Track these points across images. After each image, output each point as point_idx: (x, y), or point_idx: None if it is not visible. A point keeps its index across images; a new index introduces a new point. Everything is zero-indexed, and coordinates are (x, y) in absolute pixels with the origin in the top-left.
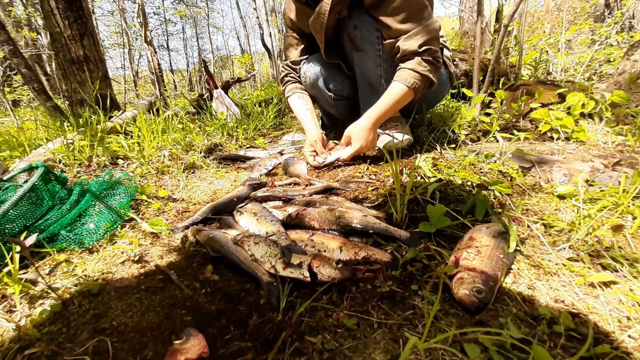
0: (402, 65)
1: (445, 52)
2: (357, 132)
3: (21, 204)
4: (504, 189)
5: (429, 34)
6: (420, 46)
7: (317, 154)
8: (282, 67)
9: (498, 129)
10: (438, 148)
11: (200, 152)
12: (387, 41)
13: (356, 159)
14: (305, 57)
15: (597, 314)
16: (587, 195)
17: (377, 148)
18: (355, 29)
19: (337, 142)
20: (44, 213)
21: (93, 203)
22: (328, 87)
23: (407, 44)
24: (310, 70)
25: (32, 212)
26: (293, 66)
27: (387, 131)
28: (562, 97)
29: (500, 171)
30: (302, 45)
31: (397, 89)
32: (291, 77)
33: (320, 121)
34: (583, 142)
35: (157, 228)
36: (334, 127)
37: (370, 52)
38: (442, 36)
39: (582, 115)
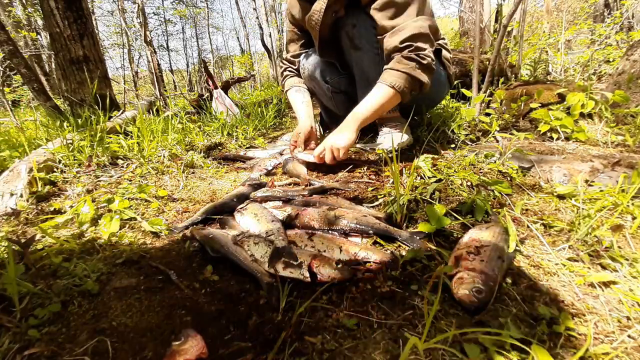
0: (385, 66)
1: (445, 53)
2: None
3: None
4: (503, 189)
5: (414, 30)
6: (401, 42)
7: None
8: (282, 61)
9: (498, 129)
10: (438, 148)
11: (200, 152)
12: (378, 38)
13: (357, 160)
14: (305, 50)
15: (597, 314)
16: (587, 195)
17: (376, 149)
18: (353, 28)
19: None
20: None
21: None
22: (325, 79)
23: (390, 40)
24: (309, 62)
25: None
26: (292, 59)
27: (386, 132)
28: (561, 97)
29: (500, 171)
30: (303, 40)
31: (378, 91)
32: (290, 70)
33: (320, 118)
34: (583, 142)
35: (157, 227)
36: (333, 125)
37: (369, 51)
38: (443, 37)
39: (582, 115)
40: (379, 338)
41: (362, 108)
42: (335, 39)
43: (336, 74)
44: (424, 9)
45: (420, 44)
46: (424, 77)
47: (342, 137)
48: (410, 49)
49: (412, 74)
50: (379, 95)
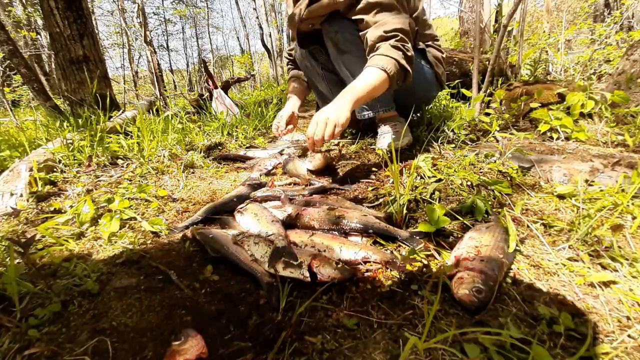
0: (372, 54)
1: (436, 53)
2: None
3: None
4: (503, 188)
5: (397, 25)
6: (386, 32)
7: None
8: (285, 56)
9: (498, 129)
10: (438, 148)
11: (200, 152)
12: (361, 33)
13: (357, 159)
14: None
15: (597, 313)
16: (587, 195)
17: (377, 149)
18: (336, 34)
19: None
20: None
21: None
22: (315, 56)
23: (374, 32)
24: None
25: None
26: (291, 52)
27: (385, 131)
28: (561, 97)
29: (500, 171)
30: None
31: (370, 73)
32: (291, 65)
33: (316, 106)
34: (583, 142)
35: (157, 227)
36: None
37: (356, 52)
38: (437, 40)
39: (582, 115)
40: (379, 338)
41: (355, 86)
42: (315, 39)
43: (325, 53)
44: (399, 12)
45: (403, 37)
46: (409, 68)
47: (340, 112)
48: (397, 38)
49: (400, 61)
50: (371, 77)
